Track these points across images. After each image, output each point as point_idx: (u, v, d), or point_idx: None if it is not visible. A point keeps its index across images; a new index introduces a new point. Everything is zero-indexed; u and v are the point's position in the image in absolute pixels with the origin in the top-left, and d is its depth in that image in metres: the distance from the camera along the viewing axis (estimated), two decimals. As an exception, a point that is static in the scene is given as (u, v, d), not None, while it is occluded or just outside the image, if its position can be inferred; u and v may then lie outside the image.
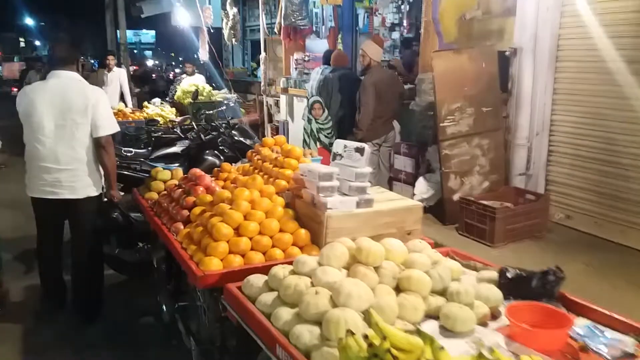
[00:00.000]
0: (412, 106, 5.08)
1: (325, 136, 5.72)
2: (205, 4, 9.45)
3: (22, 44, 40.73)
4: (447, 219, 4.38)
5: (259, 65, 11.32)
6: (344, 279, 1.82)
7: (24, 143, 3.31)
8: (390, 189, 5.32)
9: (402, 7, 7.72)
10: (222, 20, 8.76)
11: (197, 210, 2.74)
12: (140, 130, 7.03)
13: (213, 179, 3.49)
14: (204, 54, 9.05)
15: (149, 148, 5.98)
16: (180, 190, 3.04)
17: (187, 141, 6.04)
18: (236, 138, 5.28)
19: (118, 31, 12.44)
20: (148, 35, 41.81)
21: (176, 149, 5.99)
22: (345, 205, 2.49)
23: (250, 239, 2.42)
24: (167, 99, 9.14)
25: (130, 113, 8.00)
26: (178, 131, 6.55)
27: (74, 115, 3.20)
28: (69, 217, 3.48)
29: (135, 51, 39.60)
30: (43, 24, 43.20)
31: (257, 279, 1.99)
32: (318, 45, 8.58)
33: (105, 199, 3.66)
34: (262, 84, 7.96)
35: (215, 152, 5.05)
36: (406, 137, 5.47)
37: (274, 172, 3.01)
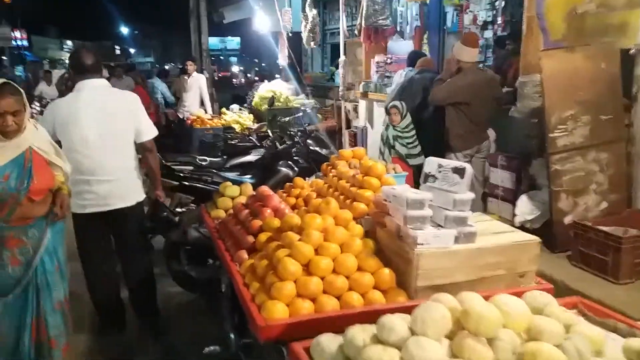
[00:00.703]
0: (512, 112, 4.44)
1: (403, 145, 5.20)
2: (284, 7, 9.24)
3: (118, 52, 43.34)
4: (557, 245, 3.71)
5: (337, 69, 11.01)
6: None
7: None
8: (485, 206, 4.70)
9: (497, 3, 7.01)
10: (302, 23, 8.46)
11: (263, 236, 2.36)
12: (217, 137, 6.88)
13: (285, 194, 3.14)
14: (283, 59, 8.81)
15: (225, 157, 5.78)
16: (247, 211, 2.68)
17: (262, 149, 5.79)
18: (312, 148, 4.90)
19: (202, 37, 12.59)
20: (233, 42, 43.09)
21: (251, 157, 5.74)
22: (441, 241, 2.00)
23: (322, 278, 1.99)
24: (245, 105, 8.99)
25: (209, 120, 7.91)
26: (253, 139, 6.32)
27: (118, 123, 3.12)
28: (116, 230, 3.31)
29: (221, 57, 40.89)
30: (137, 32, 45.84)
31: (329, 342, 1.55)
32: (401, 47, 8.03)
33: (150, 200, 3.52)
34: (341, 88, 7.56)
35: (289, 162, 4.69)
36: (503, 147, 4.82)
37: (351, 193, 2.57)
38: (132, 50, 48.82)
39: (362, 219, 2.39)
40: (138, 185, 3.32)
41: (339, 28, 7.77)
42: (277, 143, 5.71)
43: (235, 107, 8.59)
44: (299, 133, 5.14)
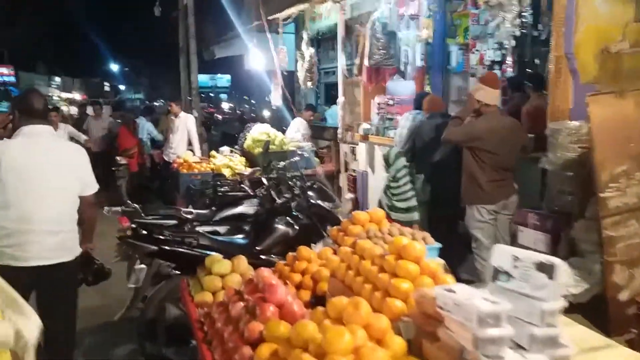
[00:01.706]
0: (543, 164, 3.90)
1: (389, 195, 4.75)
2: (278, 45, 8.80)
3: (107, 88, 43.08)
4: (612, 326, 3.10)
5: (329, 108, 10.55)
6: None
7: None
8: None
9: (506, 42, 6.59)
10: (297, 62, 8.00)
11: (265, 351, 1.71)
12: (206, 184, 6.25)
13: (288, 268, 2.52)
14: (276, 98, 8.31)
15: (213, 208, 5.15)
16: (243, 305, 2.03)
17: (255, 200, 5.18)
18: (313, 201, 4.29)
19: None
20: (223, 80, 43.24)
21: (243, 209, 5.13)
22: (528, 375, 1.38)
23: None
24: (236, 147, 8.41)
25: (196, 163, 7.30)
26: (246, 187, 5.72)
27: (66, 174, 3.02)
28: (44, 284, 2.97)
29: (211, 95, 40.89)
30: (127, 69, 45.68)
31: None
32: (402, 87, 7.57)
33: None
34: (340, 130, 7.04)
35: (288, 219, 4.07)
36: (531, 203, 4.26)
37: (381, 282, 1.94)
38: (122, 87, 48.65)
39: (400, 322, 1.77)
40: (77, 238, 3.16)
41: (333, 67, 7.34)
42: (272, 193, 5.13)
43: (225, 149, 7.99)
44: (298, 183, 4.54)
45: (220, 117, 21.64)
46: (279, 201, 4.16)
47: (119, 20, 38.19)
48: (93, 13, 34.79)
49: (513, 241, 4.14)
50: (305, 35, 7.28)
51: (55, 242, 2.94)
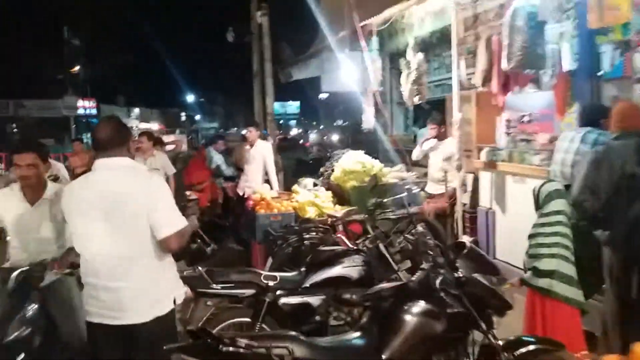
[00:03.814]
0: None
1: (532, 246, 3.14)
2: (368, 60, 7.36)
3: (183, 118, 43.95)
4: None
5: (419, 129, 8.92)
6: None
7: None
8: None
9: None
10: (403, 73, 6.48)
11: None
12: (289, 230, 4.86)
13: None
14: (369, 121, 6.85)
15: (302, 269, 3.74)
16: None
17: (358, 257, 3.75)
18: (462, 275, 2.70)
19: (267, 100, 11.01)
20: (293, 106, 43.10)
21: (344, 270, 3.71)
22: None
23: None
24: (320, 178, 7.02)
25: (275, 199, 5.95)
26: (346, 239, 4.27)
27: (129, 213, 2.48)
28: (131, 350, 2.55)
29: (281, 122, 40.89)
30: (202, 99, 46.58)
31: None
32: (531, 100, 5.89)
33: None
34: (457, 156, 5.42)
35: (429, 306, 2.52)
36: None
37: None
38: (197, 117, 49.69)
39: None
40: (160, 295, 2.59)
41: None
42: (383, 250, 3.66)
43: (308, 181, 6.62)
44: (430, 240, 2.97)
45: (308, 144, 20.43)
46: (414, 277, 2.63)
47: (193, 50, 38.99)
48: (168, 45, 35.62)
49: None
50: (410, 40, 5.78)
51: (113, 300, 2.53)
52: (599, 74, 5.63)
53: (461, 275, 2.64)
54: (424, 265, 2.66)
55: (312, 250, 4.04)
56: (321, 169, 8.40)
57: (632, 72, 5.33)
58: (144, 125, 35.42)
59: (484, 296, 2.65)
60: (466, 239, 5.93)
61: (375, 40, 7.01)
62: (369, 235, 4.01)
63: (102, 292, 2.52)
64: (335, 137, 21.86)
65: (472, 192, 6.01)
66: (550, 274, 3.27)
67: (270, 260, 4.73)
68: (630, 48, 5.36)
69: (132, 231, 2.49)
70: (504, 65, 4.43)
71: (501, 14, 4.85)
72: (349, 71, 7.59)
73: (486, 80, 5.15)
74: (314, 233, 4.60)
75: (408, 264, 4.06)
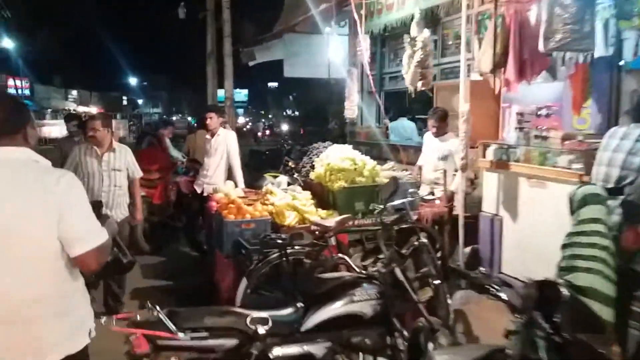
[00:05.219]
0: None
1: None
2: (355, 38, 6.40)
3: (125, 102, 41.64)
4: None
5: (390, 122, 8.12)
6: None
7: None
8: None
9: None
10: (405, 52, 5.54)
11: None
12: (268, 242, 3.84)
13: None
14: (351, 110, 5.92)
15: (299, 305, 2.80)
16: None
17: (370, 287, 2.90)
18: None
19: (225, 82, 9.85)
20: (241, 94, 41.81)
21: (356, 307, 2.83)
22: None
23: None
24: (295, 175, 6.04)
25: (243, 199, 4.92)
26: (349, 260, 3.34)
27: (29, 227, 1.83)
28: None
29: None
30: (145, 83, 44.24)
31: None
32: (541, 91, 5.17)
33: None
34: (462, 154, 4.61)
35: None
36: None
37: None
38: (139, 101, 47.32)
39: None
40: (71, 327, 1.94)
41: (399, 71, 4.94)
42: (401, 277, 2.83)
43: (282, 180, 5.62)
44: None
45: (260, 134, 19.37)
46: (509, 348, 1.75)
47: (138, 30, 36.82)
48: (111, 23, 33.39)
49: None
50: (416, 13, 4.83)
51: (9, 339, 1.87)
52: (620, 63, 4.97)
53: (566, 336, 1.78)
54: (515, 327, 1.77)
55: (309, 274, 3.10)
56: (290, 163, 7.45)
57: (659, 62, 4.69)
58: (83, 109, 33.05)
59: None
60: (467, 249, 5.20)
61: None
62: (381, 256, 3.10)
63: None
64: (285, 127, 20.91)
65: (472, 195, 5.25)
66: (584, 291, 2.85)
67: (244, 283, 3.75)
68: (659, 35, 4.71)
69: (34, 266, 1.85)
70: (541, 46, 3.62)
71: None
72: (323, 53, 6.65)
73: (497, 66, 4.35)
74: (311, 259, 3.66)
75: (429, 292, 3.20)
